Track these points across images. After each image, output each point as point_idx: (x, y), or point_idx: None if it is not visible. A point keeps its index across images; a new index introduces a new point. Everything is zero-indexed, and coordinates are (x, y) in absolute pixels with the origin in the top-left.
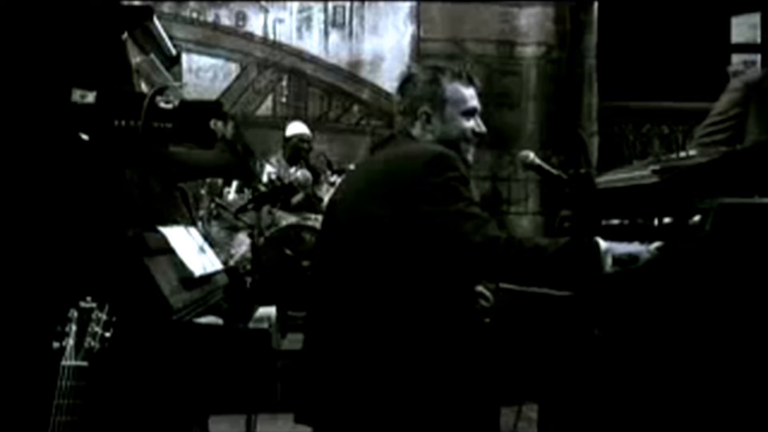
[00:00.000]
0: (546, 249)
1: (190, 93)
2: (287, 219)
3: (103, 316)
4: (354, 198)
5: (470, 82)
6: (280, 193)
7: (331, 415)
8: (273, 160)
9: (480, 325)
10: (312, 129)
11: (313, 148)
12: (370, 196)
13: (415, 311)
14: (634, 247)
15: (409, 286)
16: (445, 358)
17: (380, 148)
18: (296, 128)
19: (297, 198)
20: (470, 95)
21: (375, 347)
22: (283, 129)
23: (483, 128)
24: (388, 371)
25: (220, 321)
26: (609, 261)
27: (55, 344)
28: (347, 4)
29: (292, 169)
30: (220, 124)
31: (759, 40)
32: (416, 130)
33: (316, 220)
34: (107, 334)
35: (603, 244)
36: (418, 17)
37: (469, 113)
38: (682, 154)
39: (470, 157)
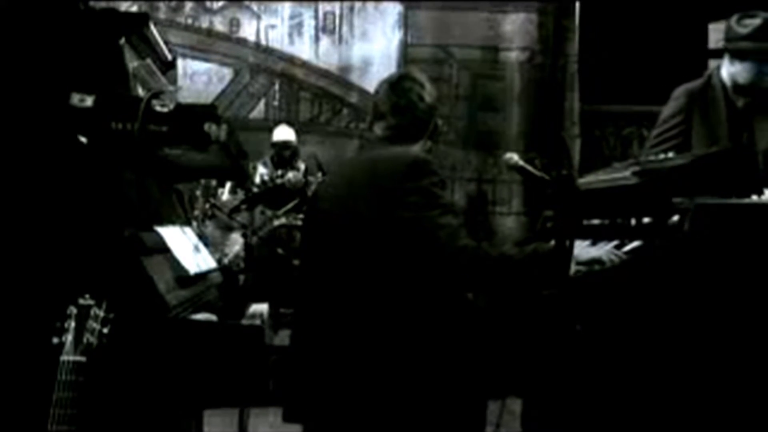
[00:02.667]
0: (511, 258)
1: (185, 97)
2: (279, 219)
3: (101, 313)
4: (339, 198)
5: None
6: (272, 194)
7: (320, 412)
8: (263, 161)
9: (468, 321)
10: (303, 131)
11: (299, 152)
12: (355, 197)
13: (403, 308)
14: (596, 251)
15: (395, 282)
16: (433, 354)
17: (363, 151)
18: (280, 134)
19: (290, 204)
20: None
21: (364, 343)
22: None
23: None
24: (377, 368)
25: (214, 318)
26: (573, 268)
27: (55, 340)
28: (337, 11)
29: (279, 172)
30: (214, 127)
31: None
32: (417, 142)
33: None
34: (105, 331)
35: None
36: (405, 23)
37: None
38: (661, 156)
39: None
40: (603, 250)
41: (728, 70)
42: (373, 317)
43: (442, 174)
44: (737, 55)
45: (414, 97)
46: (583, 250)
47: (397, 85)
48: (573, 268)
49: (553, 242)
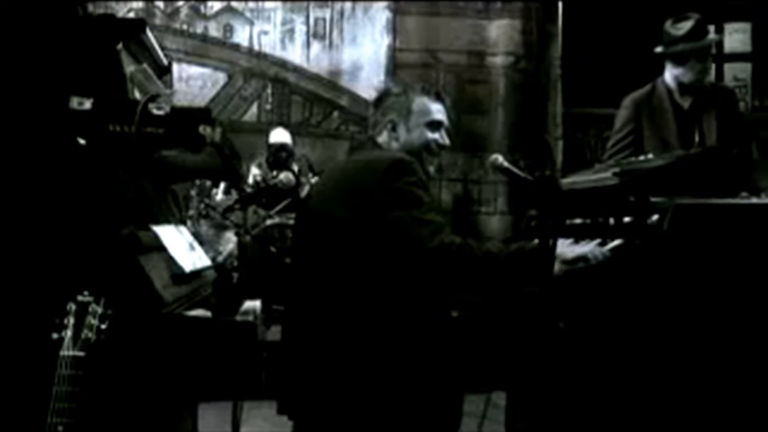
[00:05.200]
0: (496, 255)
1: (181, 100)
2: (272, 219)
3: (99, 309)
4: (322, 199)
5: (438, 98)
6: (265, 194)
7: (307, 404)
8: (257, 163)
9: (447, 318)
10: (294, 134)
11: (294, 154)
12: (335, 199)
13: (380, 307)
14: (581, 248)
15: (374, 282)
16: (411, 350)
17: (352, 153)
18: (277, 137)
19: (281, 204)
20: (436, 109)
21: (345, 341)
22: (268, 134)
23: (446, 141)
24: (355, 364)
25: (208, 314)
26: (557, 266)
27: (55, 335)
28: (328, 17)
29: (274, 173)
30: (208, 129)
31: (713, 51)
32: (383, 138)
33: None
34: (103, 326)
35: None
36: (394, 29)
37: (433, 125)
38: (641, 157)
39: (431, 169)
40: (588, 248)
41: (672, 74)
42: (354, 314)
43: (420, 174)
44: (677, 58)
45: (384, 92)
46: (568, 248)
47: (381, 92)
48: (559, 265)
49: (536, 241)
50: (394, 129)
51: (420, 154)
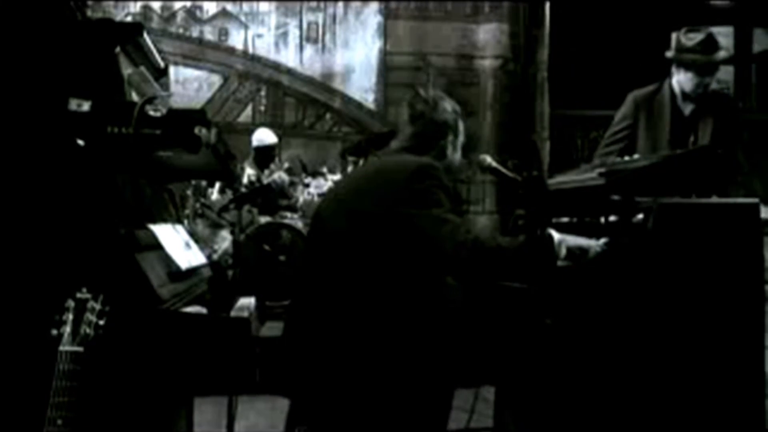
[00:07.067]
0: (507, 249)
1: (177, 102)
2: (265, 217)
3: (98, 306)
4: (343, 197)
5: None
6: (259, 194)
7: (307, 387)
8: (250, 162)
9: (448, 314)
10: (287, 135)
11: (280, 150)
12: (359, 195)
13: (387, 300)
14: (585, 240)
15: (383, 274)
16: (409, 346)
17: (355, 153)
18: (261, 138)
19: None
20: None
21: (346, 332)
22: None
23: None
24: (354, 356)
25: (204, 310)
26: (563, 251)
27: (54, 331)
28: (320, 21)
29: (265, 173)
30: (204, 130)
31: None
32: (428, 154)
33: (292, 219)
34: (101, 323)
35: (556, 236)
36: (385, 33)
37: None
38: (626, 158)
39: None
40: (593, 241)
41: (676, 79)
42: (360, 305)
43: (445, 180)
44: (683, 65)
45: (426, 109)
46: (570, 237)
47: (412, 99)
48: (563, 251)
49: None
50: (445, 147)
51: (452, 172)
